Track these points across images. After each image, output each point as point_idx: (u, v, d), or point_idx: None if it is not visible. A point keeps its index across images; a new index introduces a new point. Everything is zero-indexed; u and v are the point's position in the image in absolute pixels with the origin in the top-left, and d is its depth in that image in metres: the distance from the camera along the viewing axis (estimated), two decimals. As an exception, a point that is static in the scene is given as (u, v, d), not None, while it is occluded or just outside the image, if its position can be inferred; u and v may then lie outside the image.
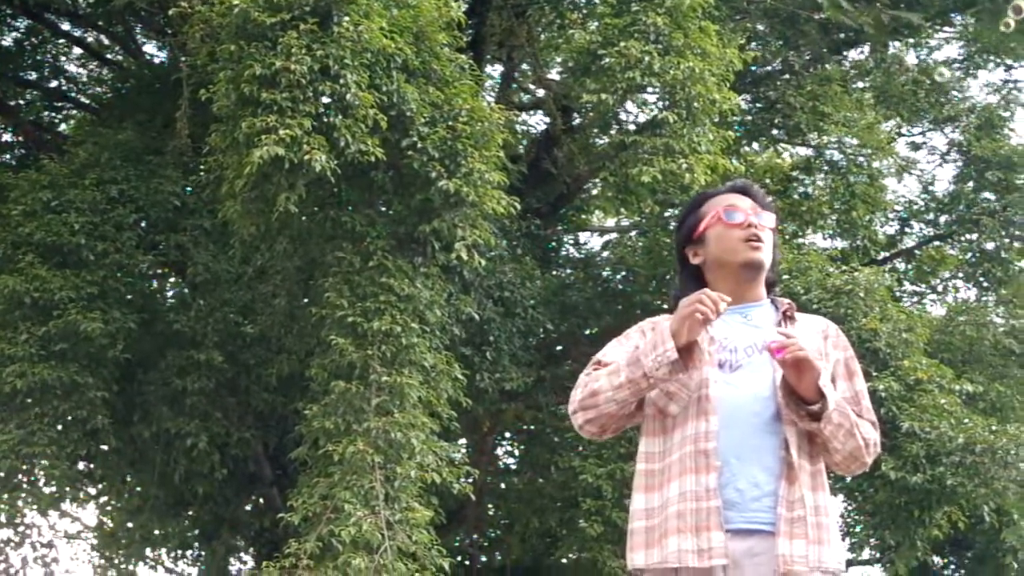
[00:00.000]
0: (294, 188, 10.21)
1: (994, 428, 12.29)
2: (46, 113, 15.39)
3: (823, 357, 3.97)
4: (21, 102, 15.31)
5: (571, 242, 16.00)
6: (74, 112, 15.13)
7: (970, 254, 16.47)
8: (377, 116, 10.31)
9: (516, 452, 15.18)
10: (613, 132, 12.83)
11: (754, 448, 3.86)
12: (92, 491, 14.11)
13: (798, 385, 3.72)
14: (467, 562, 13.04)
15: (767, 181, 13.26)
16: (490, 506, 14.73)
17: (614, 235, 15.64)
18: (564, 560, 13.72)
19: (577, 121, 14.09)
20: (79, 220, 11.89)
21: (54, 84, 15.49)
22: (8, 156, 14.59)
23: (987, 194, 16.09)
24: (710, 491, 3.73)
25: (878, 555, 13.69)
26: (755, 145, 14.74)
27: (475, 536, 14.45)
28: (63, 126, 14.93)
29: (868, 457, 3.99)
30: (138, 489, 13.92)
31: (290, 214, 10.41)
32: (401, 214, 11.11)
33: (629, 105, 12.01)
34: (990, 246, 16.06)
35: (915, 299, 16.00)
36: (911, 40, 16.22)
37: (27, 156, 14.16)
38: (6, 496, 12.85)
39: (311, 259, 11.38)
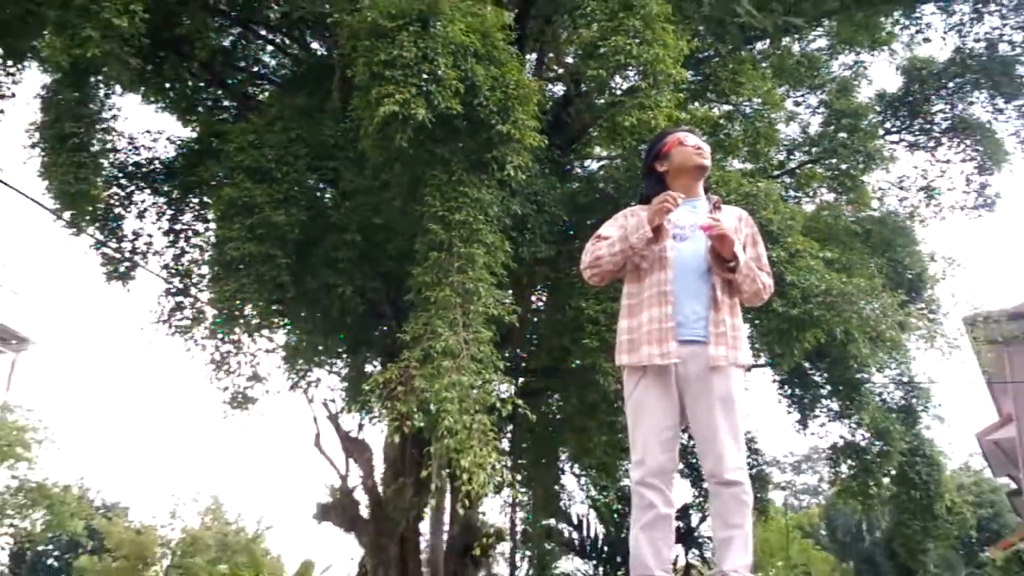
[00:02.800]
0: (405, 131, 10.22)
1: (843, 280, 12.29)
2: (250, 87, 15.39)
3: (737, 233, 4.13)
4: (234, 80, 15.36)
5: (579, 165, 15.95)
6: (268, 87, 15.18)
7: (831, 172, 16.39)
8: (457, 85, 10.32)
9: (544, 298, 15.21)
10: (606, 95, 12.77)
11: (694, 290, 4.02)
12: (281, 323, 14.22)
13: (721, 251, 3.92)
14: (512, 365, 13.10)
15: (703, 126, 13.15)
16: (527, 334, 14.82)
17: (606, 161, 15.59)
18: (573, 365, 13.85)
19: (583, 89, 14.07)
20: (271, 152, 11.95)
21: (255, 69, 15.53)
22: (226, 115, 14.60)
23: (842, 134, 15.95)
24: (667, 317, 3.91)
25: (769, 360, 13.75)
26: (696, 103, 14.62)
27: (517, 350, 14.55)
28: (261, 96, 14.99)
29: (765, 295, 4.16)
30: (308, 322, 14.08)
31: (402, 148, 10.44)
32: (472, 147, 11.11)
33: (617, 78, 11.95)
34: (843, 167, 15.97)
35: (795, 200, 15.89)
36: (796, 35, 16.01)
37: (239, 114, 14.20)
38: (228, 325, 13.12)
39: (416, 176, 11.40)
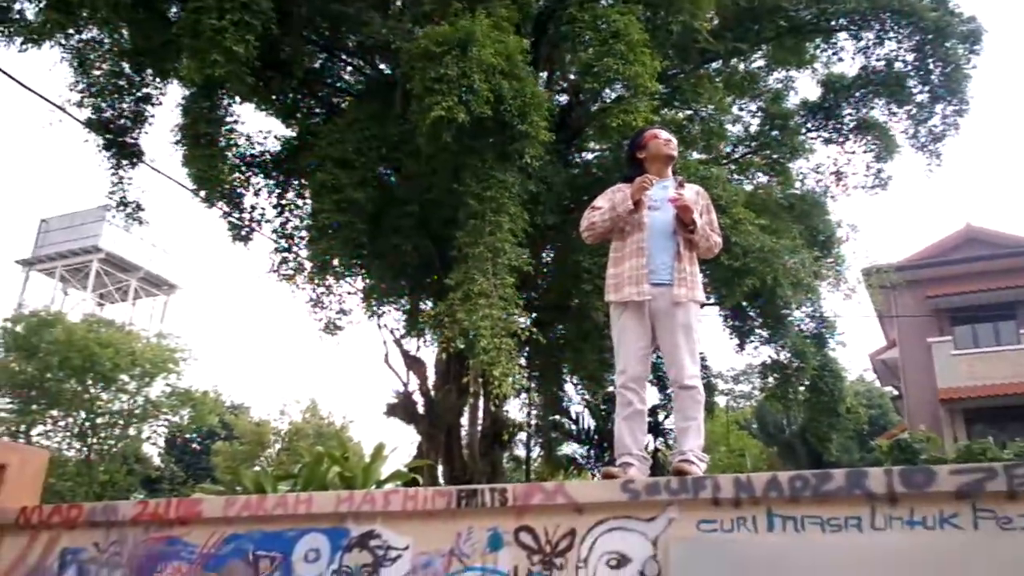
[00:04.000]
0: (449, 130, 10.16)
1: (773, 241, 12.21)
2: (335, 98, 15.18)
3: (696, 204, 4.08)
4: (323, 92, 15.17)
5: (579, 156, 15.72)
6: (348, 98, 14.93)
7: (765, 160, 16.21)
8: (488, 95, 10.21)
9: (552, 254, 15.09)
10: (599, 103, 12.64)
11: (664, 246, 3.98)
12: (360, 272, 14.24)
13: (684, 217, 3.87)
14: (528, 304, 13.03)
15: (671, 126, 12.99)
16: (539, 280, 14.72)
17: (598, 153, 15.38)
18: (573, 304, 13.77)
19: (582, 98, 13.89)
20: (351, 147, 11.86)
21: (339, 84, 15.31)
22: (317, 119, 14.43)
23: (774, 132, 15.78)
24: (642, 266, 3.87)
25: (717, 300, 13.70)
26: (666, 109, 14.42)
27: (532, 292, 14.44)
28: (343, 104, 14.73)
29: (716, 250, 4.13)
30: (380, 271, 14.10)
31: (447, 143, 10.39)
32: (499, 142, 11.02)
33: (607, 90, 11.80)
34: (775, 156, 15.82)
35: (738, 181, 15.70)
36: (742, 57, 15.77)
37: (327, 118, 14.03)
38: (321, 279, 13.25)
39: (458, 164, 11.34)
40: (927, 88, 14.43)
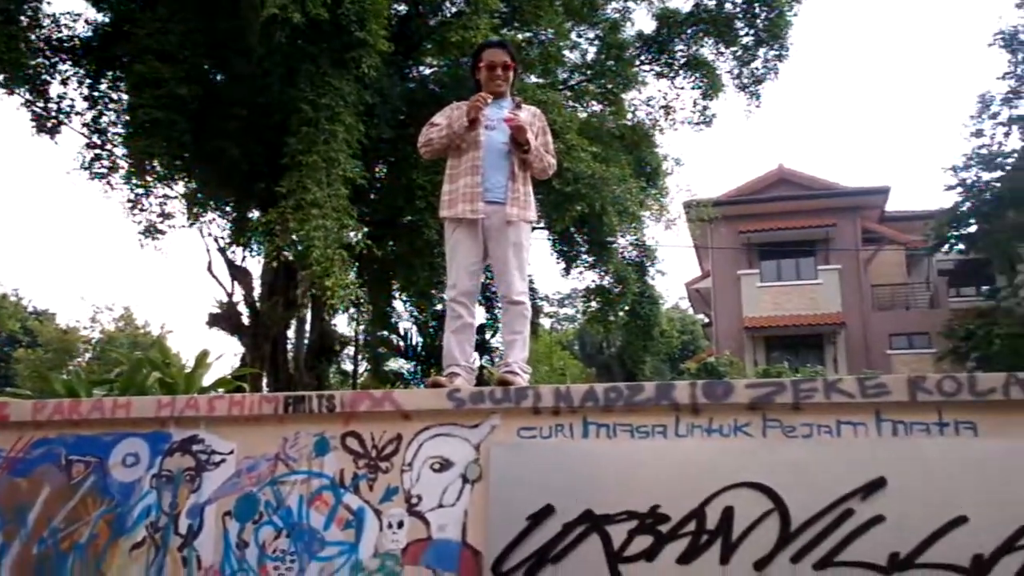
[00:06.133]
0: (284, 30, 9.74)
1: (603, 169, 12.58)
2: None
3: (532, 126, 4.16)
4: None
5: (417, 70, 15.30)
6: None
7: (600, 89, 16.53)
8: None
9: (386, 168, 14.84)
10: (439, 17, 12.35)
11: (498, 165, 4.04)
12: (182, 175, 13.50)
13: (518, 137, 3.92)
14: (361, 217, 12.84)
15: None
16: (372, 194, 14.50)
17: (436, 68, 15.06)
18: (406, 220, 13.73)
19: (422, 10, 13.47)
20: (174, 39, 11.11)
21: None
22: (133, 5, 13.06)
23: (610, 62, 16.13)
24: (477, 184, 3.93)
25: (547, 224, 14.02)
26: (506, 28, 14.29)
27: (365, 206, 14.21)
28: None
29: (550, 172, 4.23)
30: (204, 175, 13.45)
31: (281, 43, 9.95)
32: (335, 48, 10.66)
33: (447, 3, 11.53)
34: (609, 86, 16.16)
35: (573, 108, 15.92)
36: None
37: (145, 4, 12.67)
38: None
39: (292, 66, 10.90)
40: (752, 31, 15.17)
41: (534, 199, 4.27)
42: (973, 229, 18.59)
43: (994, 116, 18.32)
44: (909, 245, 26.36)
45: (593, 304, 16.54)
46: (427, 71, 15.44)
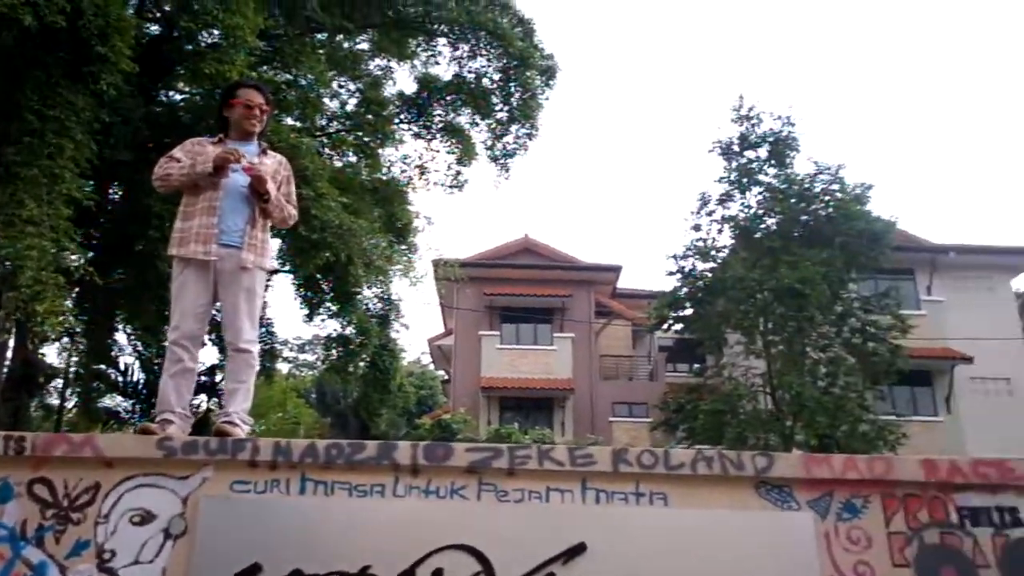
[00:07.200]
0: (11, 31, 8.91)
1: (352, 220, 12.56)
2: None
3: (276, 174, 4.13)
4: None
5: (166, 94, 14.50)
6: None
7: (357, 141, 16.63)
8: (64, 4, 9.05)
9: (120, 192, 13.82)
10: (194, 45, 11.85)
11: (237, 209, 3.97)
12: None
13: (258, 188, 3.85)
14: (86, 241, 11.82)
15: (268, 86, 12.65)
16: (102, 218, 13.42)
17: (188, 95, 14.41)
18: (137, 248, 12.73)
19: (177, 34, 12.88)
20: None
21: None
22: None
23: (369, 116, 16.32)
24: (212, 225, 3.82)
25: (292, 269, 13.73)
26: (265, 67, 14.01)
27: (92, 229, 13.03)
28: None
29: (290, 222, 4.21)
30: None
31: (8, 45, 9.09)
32: (73, 59, 9.86)
33: (204, 33, 11.13)
34: (367, 139, 16.31)
35: (329, 156, 15.86)
36: (348, 36, 15.90)
37: None
38: None
39: (17, 71, 9.92)
40: (507, 108, 16.00)
41: (273, 244, 4.20)
42: (689, 312, 20.37)
43: (710, 214, 20.31)
44: (635, 321, 28.48)
45: (334, 353, 16.30)
46: (178, 96, 14.72)
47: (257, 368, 4.02)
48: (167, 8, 13.42)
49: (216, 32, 10.73)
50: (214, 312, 4.25)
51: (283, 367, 27.86)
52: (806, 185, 19.30)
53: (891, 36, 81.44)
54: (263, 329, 17.01)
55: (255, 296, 4.00)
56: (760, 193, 19.83)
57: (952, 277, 25.34)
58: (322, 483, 3.10)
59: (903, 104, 77.68)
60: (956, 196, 76.19)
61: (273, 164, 4.20)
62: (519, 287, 27.28)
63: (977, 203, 74.69)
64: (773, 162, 19.92)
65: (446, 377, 33.34)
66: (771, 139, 19.90)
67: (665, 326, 21.00)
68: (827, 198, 19.12)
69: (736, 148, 20.19)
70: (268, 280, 16.49)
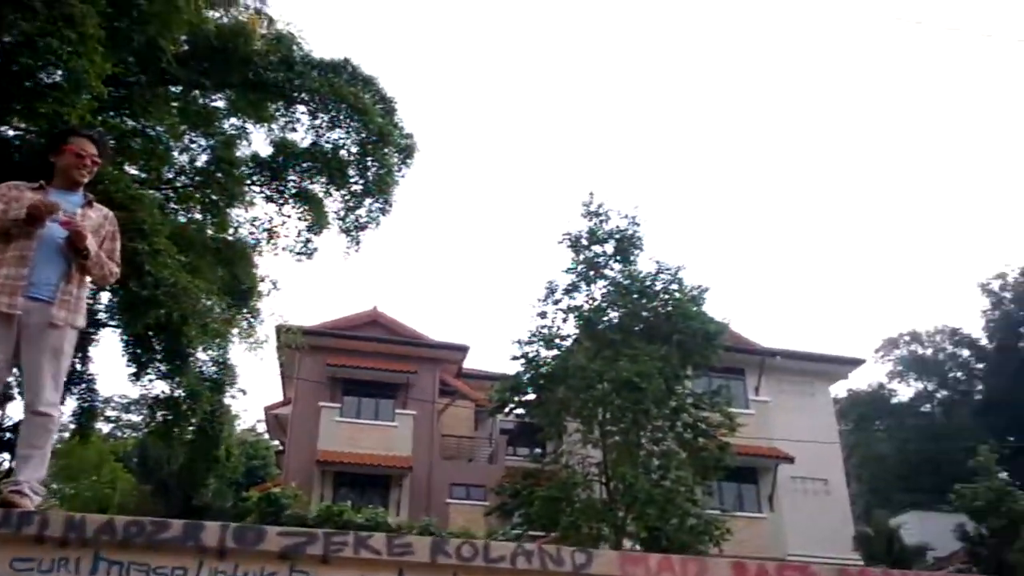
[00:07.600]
0: None
1: (190, 279, 12.13)
2: None
3: (101, 229, 3.97)
4: None
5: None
6: None
7: (204, 199, 16.15)
8: None
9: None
10: (33, 82, 11.27)
11: (52, 261, 3.79)
12: None
13: (76, 243, 3.66)
14: None
15: (112, 133, 12.07)
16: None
17: (22, 132, 13.49)
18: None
19: (14, 68, 12.19)
20: None
21: None
22: None
23: (219, 174, 15.94)
24: (22, 276, 3.61)
25: (120, 325, 13.03)
26: (112, 112, 13.42)
27: None
28: None
29: (111, 280, 4.03)
30: None
31: None
32: None
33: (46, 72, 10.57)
34: (215, 198, 15.89)
35: (172, 211, 15.26)
36: (204, 92, 15.54)
37: None
38: None
39: None
40: (362, 181, 16.00)
41: (86, 302, 3.96)
42: (531, 397, 20.57)
43: (556, 302, 20.72)
44: (478, 402, 28.47)
45: (159, 416, 15.43)
46: (11, 132, 13.85)
47: (56, 435, 3.74)
48: (6, 39, 12.72)
49: (59, 73, 10.21)
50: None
51: (104, 427, 26.09)
52: (647, 283, 20.09)
53: (736, 154, 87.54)
54: (83, 385, 15.93)
55: (62, 356, 3.73)
56: (605, 286, 20.49)
57: (778, 380, 27.13)
58: (117, 563, 2.89)
59: (742, 215, 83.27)
60: (786, 304, 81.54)
61: (98, 218, 3.97)
62: (364, 360, 26.85)
63: (805, 311, 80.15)
64: (618, 258, 20.66)
65: (281, 448, 32.10)
66: (617, 236, 20.68)
67: (507, 410, 21.07)
68: (666, 296, 19.95)
69: (584, 242, 20.86)
70: (94, 335, 15.58)
